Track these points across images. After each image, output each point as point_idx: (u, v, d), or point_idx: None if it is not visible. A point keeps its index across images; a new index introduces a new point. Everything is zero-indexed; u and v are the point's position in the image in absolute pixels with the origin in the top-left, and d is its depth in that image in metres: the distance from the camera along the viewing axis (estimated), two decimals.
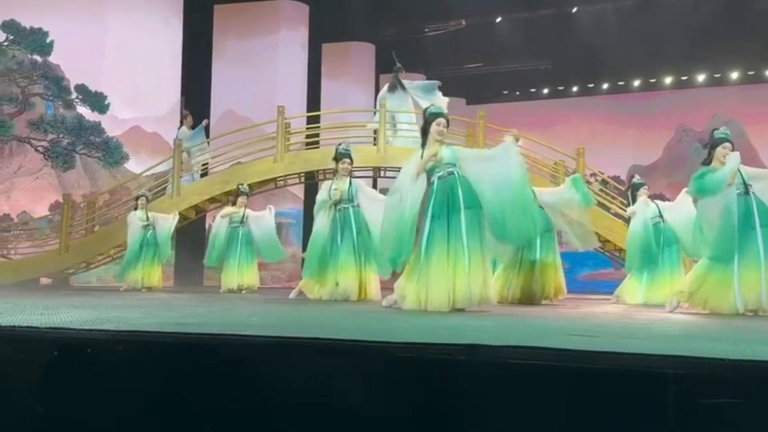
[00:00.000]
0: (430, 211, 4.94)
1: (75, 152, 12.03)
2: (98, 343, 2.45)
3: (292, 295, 7.38)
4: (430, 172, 5.06)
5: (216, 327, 2.85)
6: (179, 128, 12.66)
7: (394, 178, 12.68)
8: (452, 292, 4.75)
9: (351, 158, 7.40)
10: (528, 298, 7.12)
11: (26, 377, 2.42)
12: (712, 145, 5.73)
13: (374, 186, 14.65)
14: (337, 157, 7.37)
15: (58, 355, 2.43)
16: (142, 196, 10.56)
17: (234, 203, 10.12)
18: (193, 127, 12.57)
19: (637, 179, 8.94)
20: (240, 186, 10.18)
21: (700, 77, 20.64)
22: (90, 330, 2.62)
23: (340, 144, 7.63)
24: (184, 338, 2.46)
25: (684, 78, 20.78)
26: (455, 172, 5.01)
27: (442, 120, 5.19)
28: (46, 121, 11.83)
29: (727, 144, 5.66)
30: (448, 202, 4.93)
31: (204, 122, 12.83)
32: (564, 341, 2.42)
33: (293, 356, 2.21)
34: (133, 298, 6.81)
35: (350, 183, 7.25)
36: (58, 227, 11.89)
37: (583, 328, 3.35)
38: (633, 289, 8.18)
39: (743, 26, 16.76)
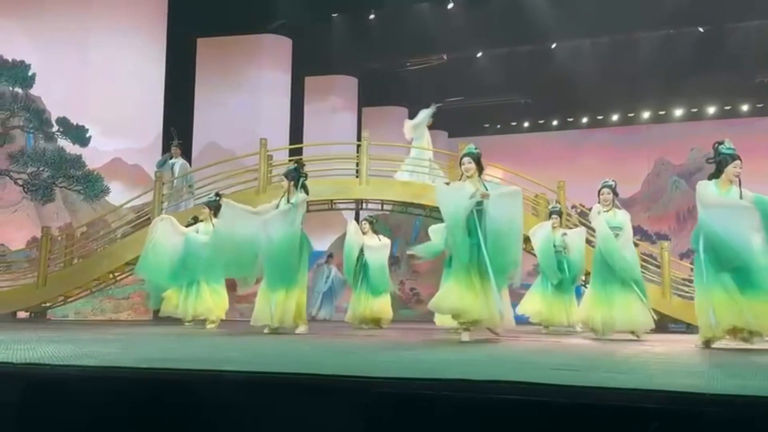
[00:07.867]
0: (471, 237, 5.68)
1: (55, 185, 11.79)
2: (75, 379, 2.40)
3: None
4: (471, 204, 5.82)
5: (195, 363, 2.81)
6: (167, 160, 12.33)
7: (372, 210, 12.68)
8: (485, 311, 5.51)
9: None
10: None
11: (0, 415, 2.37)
12: (722, 162, 5.37)
13: (356, 217, 14.66)
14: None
15: (33, 392, 2.38)
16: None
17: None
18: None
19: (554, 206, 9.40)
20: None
21: (678, 112, 20.97)
22: (67, 366, 2.58)
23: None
24: (162, 374, 2.43)
25: (662, 112, 21.11)
26: (483, 204, 5.78)
27: (465, 159, 5.96)
28: (26, 153, 11.63)
29: (738, 162, 5.34)
30: (477, 229, 5.69)
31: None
32: (548, 375, 2.41)
33: (273, 393, 2.18)
34: (111, 332, 6.71)
35: None
36: (35, 260, 11.72)
37: (565, 362, 3.34)
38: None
39: (719, 62, 17.10)
